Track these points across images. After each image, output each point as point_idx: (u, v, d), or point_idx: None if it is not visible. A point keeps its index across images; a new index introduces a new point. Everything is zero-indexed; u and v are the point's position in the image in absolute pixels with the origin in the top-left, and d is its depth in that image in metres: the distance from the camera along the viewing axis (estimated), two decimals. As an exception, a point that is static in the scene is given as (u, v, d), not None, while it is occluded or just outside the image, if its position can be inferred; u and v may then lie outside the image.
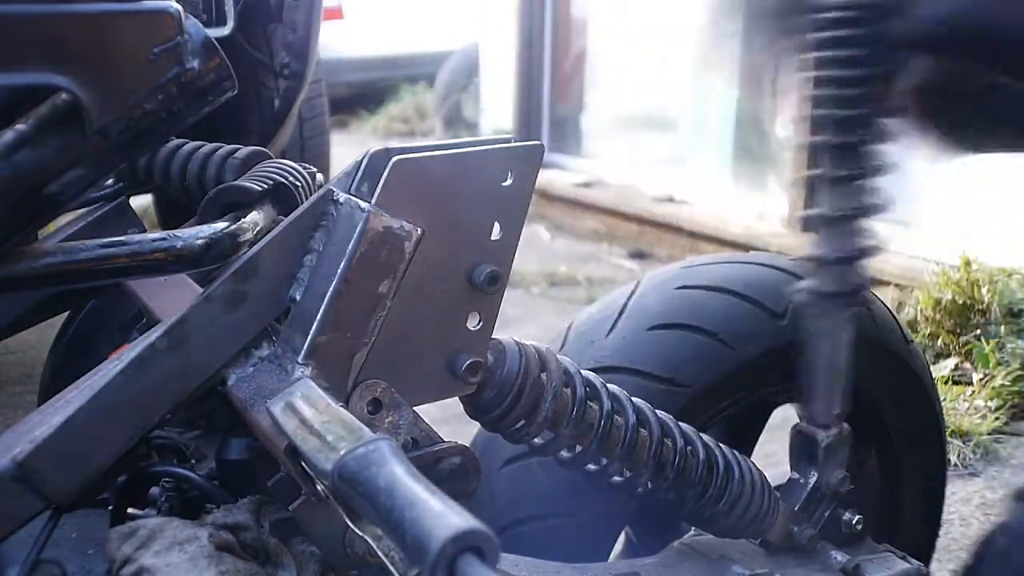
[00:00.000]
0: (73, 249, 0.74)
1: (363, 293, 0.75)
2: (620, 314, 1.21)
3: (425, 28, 7.92)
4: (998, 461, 2.41)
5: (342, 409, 0.68)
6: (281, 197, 0.91)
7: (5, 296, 1.01)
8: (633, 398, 0.99)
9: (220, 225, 0.79)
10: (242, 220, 0.81)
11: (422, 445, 0.79)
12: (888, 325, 1.32)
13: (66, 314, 1.07)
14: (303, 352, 0.74)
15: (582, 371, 0.95)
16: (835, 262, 1.12)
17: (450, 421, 1.08)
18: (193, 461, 0.91)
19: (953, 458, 2.36)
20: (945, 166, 1.17)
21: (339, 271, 0.74)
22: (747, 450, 1.29)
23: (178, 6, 0.70)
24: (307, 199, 0.86)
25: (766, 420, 1.38)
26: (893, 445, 1.38)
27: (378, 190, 0.75)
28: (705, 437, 1.05)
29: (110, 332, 1.03)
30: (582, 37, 5.39)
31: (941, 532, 1.55)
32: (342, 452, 0.60)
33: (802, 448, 1.18)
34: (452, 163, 0.78)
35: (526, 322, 3.47)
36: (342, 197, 0.78)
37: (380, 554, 0.66)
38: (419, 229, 0.76)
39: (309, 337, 0.74)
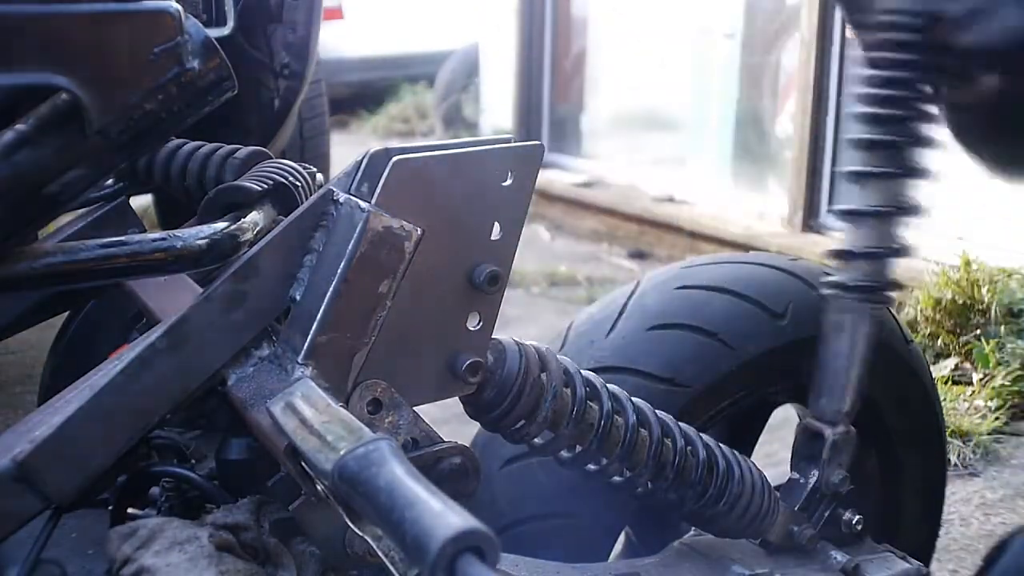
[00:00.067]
0: (73, 249, 0.74)
1: (363, 293, 0.75)
2: (620, 314, 1.21)
3: (425, 28, 7.92)
4: (998, 461, 2.41)
5: (342, 409, 0.68)
6: (281, 197, 0.91)
7: (5, 296, 1.01)
8: (633, 398, 0.99)
9: (220, 225, 0.79)
10: (242, 220, 0.81)
11: (422, 445, 0.79)
12: (888, 325, 1.32)
13: (66, 314, 1.07)
14: (303, 352, 0.74)
15: (582, 371, 0.95)
16: (864, 257, 1.13)
17: (450, 421, 1.08)
18: (193, 461, 0.91)
19: (953, 458, 2.36)
20: (994, 182, 1.21)
21: (339, 271, 0.74)
22: (747, 450, 1.29)
23: (178, 6, 0.70)
24: (307, 199, 0.86)
25: (766, 420, 1.38)
26: (893, 445, 1.38)
27: (378, 190, 0.75)
28: (705, 437, 1.05)
29: (110, 332, 1.03)
30: (582, 37, 5.39)
31: (941, 532, 1.55)
32: (342, 452, 0.60)
33: (807, 445, 1.18)
34: (452, 163, 0.78)
35: (526, 322, 3.47)
36: (342, 197, 0.78)
37: (380, 554, 0.66)
38: (419, 229, 0.76)
39: (309, 337, 0.74)
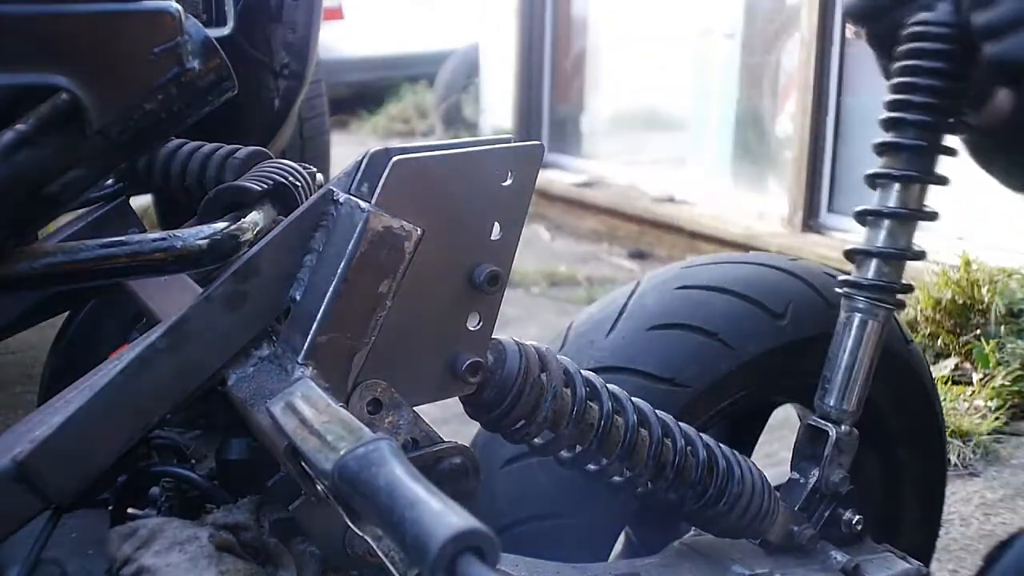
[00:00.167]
0: (73, 249, 0.74)
1: (363, 293, 0.75)
2: (620, 314, 1.21)
3: (425, 28, 7.92)
4: (998, 461, 2.41)
5: (342, 409, 0.68)
6: (281, 197, 0.90)
7: (5, 296, 1.01)
8: (633, 398, 0.99)
9: (220, 225, 0.79)
10: (242, 220, 0.81)
11: (422, 445, 0.79)
12: (888, 325, 1.32)
13: (66, 314, 1.07)
14: (303, 352, 0.74)
15: (582, 371, 0.95)
16: (880, 257, 1.15)
17: (450, 421, 1.08)
18: (193, 461, 0.91)
19: (953, 458, 2.36)
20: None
21: (339, 271, 0.74)
22: (747, 450, 1.29)
23: (178, 6, 0.70)
24: (307, 199, 0.86)
25: (766, 420, 1.38)
26: (893, 445, 1.38)
27: (378, 190, 0.75)
28: (705, 437, 1.05)
29: (110, 332, 1.02)
30: (582, 37, 5.39)
31: (941, 532, 1.55)
32: (342, 452, 0.60)
33: (809, 444, 1.18)
34: (452, 163, 0.78)
35: (526, 322, 3.47)
36: (342, 197, 0.78)
37: (380, 554, 0.66)
38: (419, 229, 0.76)
39: (309, 337, 0.74)
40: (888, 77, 1.16)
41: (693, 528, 1.16)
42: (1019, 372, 2.62)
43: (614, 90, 5.29)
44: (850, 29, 1.20)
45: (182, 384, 0.75)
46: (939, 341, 2.85)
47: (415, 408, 0.80)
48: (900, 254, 1.16)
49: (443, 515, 0.51)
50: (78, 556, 0.81)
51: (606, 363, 1.17)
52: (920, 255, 1.17)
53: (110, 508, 0.85)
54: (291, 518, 0.77)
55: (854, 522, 1.17)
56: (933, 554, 1.51)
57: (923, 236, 1.19)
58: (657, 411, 1.01)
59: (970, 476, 2.34)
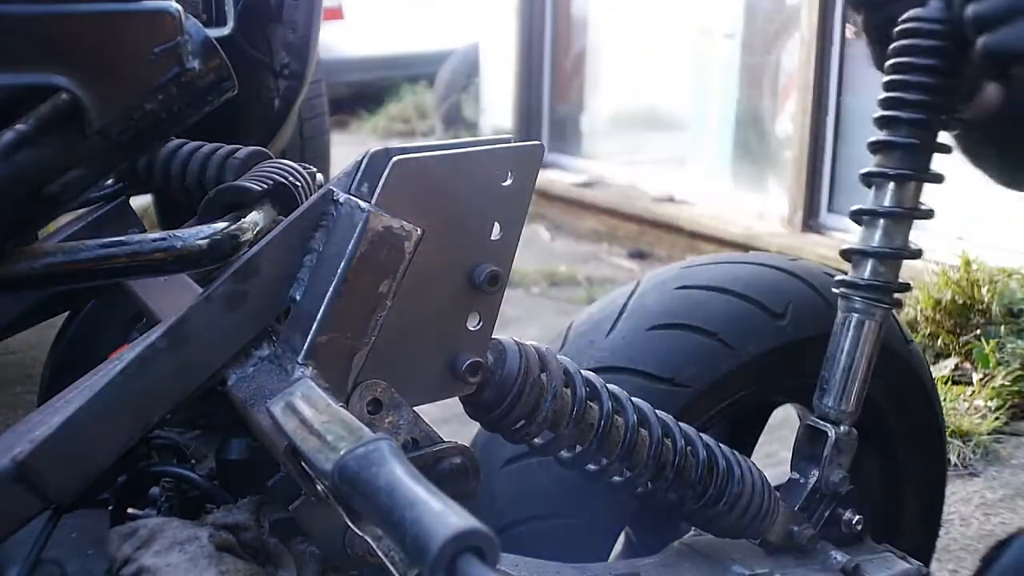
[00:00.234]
0: (73, 249, 0.74)
1: (363, 293, 0.75)
2: (620, 314, 1.21)
3: (425, 28, 7.92)
4: (998, 461, 2.41)
5: (342, 409, 0.68)
6: (281, 197, 0.90)
7: (5, 296, 1.01)
8: (633, 398, 0.99)
9: (220, 225, 0.79)
10: (242, 220, 0.81)
11: (422, 445, 0.79)
12: (888, 325, 1.32)
13: (66, 314, 1.07)
14: (303, 352, 0.74)
15: (582, 371, 0.95)
16: (876, 256, 1.15)
17: (450, 421, 1.08)
18: (193, 461, 0.91)
19: (953, 458, 2.36)
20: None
21: (339, 271, 0.74)
22: (747, 450, 1.29)
23: (178, 6, 0.70)
24: (307, 199, 0.86)
25: (766, 420, 1.38)
26: (893, 445, 1.38)
27: (378, 190, 0.75)
28: (705, 437, 1.05)
29: (110, 332, 1.02)
30: (582, 37, 5.39)
31: (941, 532, 1.55)
32: (342, 452, 0.60)
33: (808, 444, 1.18)
34: (452, 163, 0.78)
35: (526, 322, 3.47)
36: (342, 197, 0.78)
37: (380, 554, 0.66)
38: (419, 229, 0.76)
39: (309, 337, 0.74)
40: (880, 66, 1.16)
41: (693, 528, 1.16)
42: (1019, 372, 2.62)
43: (614, 90, 5.29)
44: (850, 29, 1.20)
45: (182, 384, 0.75)
46: (939, 341, 2.85)
47: (415, 408, 0.80)
48: (896, 253, 1.15)
49: (443, 515, 0.51)
50: (78, 556, 0.81)
51: (606, 363, 1.17)
52: (917, 254, 1.17)
53: (110, 508, 0.85)
54: (291, 518, 0.77)
55: (854, 522, 1.17)
56: (933, 554, 1.51)
57: (923, 236, 1.20)
58: (657, 411, 1.01)
59: (970, 476, 2.34)
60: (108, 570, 0.73)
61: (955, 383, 2.68)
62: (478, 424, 0.93)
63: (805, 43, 3.86)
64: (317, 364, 0.74)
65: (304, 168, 0.97)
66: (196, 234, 0.77)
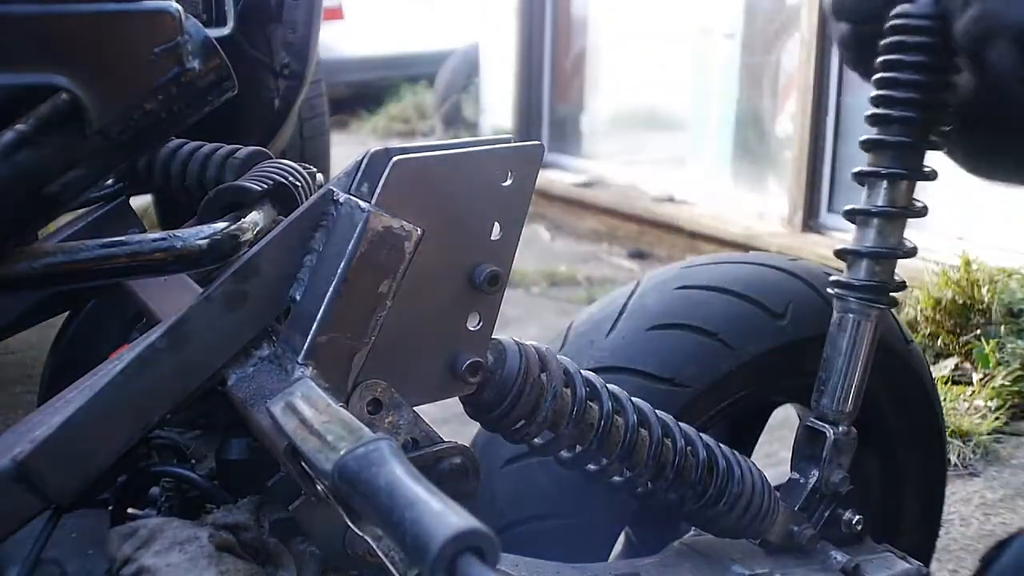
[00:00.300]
0: (73, 249, 0.74)
1: (363, 293, 0.75)
2: (620, 314, 1.21)
3: (425, 28, 7.92)
4: (998, 461, 2.41)
5: (342, 409, 0.68)
6: (281, 197, 0.90)
7: (5, 296, 1.01)
8: (633, 398, 0.99)
9: (220, 225, 0.79)
10: (242, 220, 0.81)
11: (422, 445, 0.79)
12: (888, 325, 1.32)
13: (66, 314, 1.07)
14: (303, 352, 0.74)
15: (582, 371, 0.95)
16: (869, 257, 1.14)
17: (450, 421, 1.08)
18: (193, 461, 0.91)
19: (953, 458, 2.36)
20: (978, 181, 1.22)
21: (339, 271, 0.74)
22: (747, 450, 1.29)
23: (178, 6, 0.70)
24: (307, 199, 0.86)
25: (766, 420, 1.38)
26: (893, 445, 1.38)
27: (378, 190, 0.75)
28: (705, 437, 1.05)
29: (110, 332, 1.02)
30: (582, 37, 5.39)
31: (941, 532, 1.55)
32: (342, 452, 0.60)
33: (807, 445, 1.18)
34: (452, 163, 0.78)
35: (526, 322, 3.47)
36: (342, 197, 0.78)
37: (380, 554, 0.66)
38: (419, 229, 0.76)
39: (309, 337, 0.74)
40: (860, 71, 1.16)
41: (693, 528, 1.16)
42: (1019, 372, 2.62)
43: (614, 90, 5.29)
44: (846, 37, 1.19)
45: (182, 384, 0.75)
46: (939, 341, 2.85)
47: (415, 408, 0.80)
48: (890, 253, 1.15)
49: (443, 515, 0.51)
50: (78, 556, 0.81)
51: (606, 363, 1.17)
52: (911, 252, 1.17)
53: (110, 508, 0.85)
54: (291, 518, 0.77)
55: (854, 522, 1.17)
56: (933, 554, 1.51)
57: (923, 235, 1.19)
58: (657, 411, 1.01)
59: (970, 476, 2.34)
60: (108, 570, 0.73)
61: (955, 383, 2.68)
62: (478, 424, 0.93)
63: (805, 43, 3.86)
64: (317, 364, 0.74)
65: (304, 168, 0.97)
66: (196, 234, 0.77)
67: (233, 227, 0.79)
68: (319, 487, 0.67)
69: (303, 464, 0.67)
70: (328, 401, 0.69)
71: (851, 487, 1.18)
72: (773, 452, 1.93)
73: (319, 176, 0.99)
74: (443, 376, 0.83)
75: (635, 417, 0.97)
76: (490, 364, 0.86)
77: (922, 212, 1.16)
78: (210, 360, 0.76)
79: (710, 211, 4.36)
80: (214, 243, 0.77)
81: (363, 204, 0.75)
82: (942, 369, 2.73)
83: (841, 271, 1.20)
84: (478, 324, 0.83)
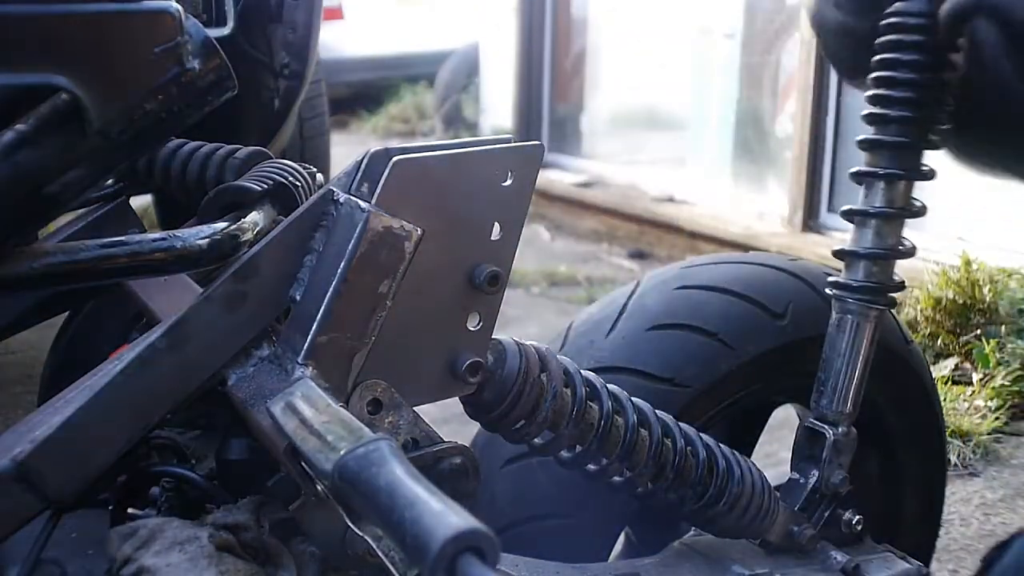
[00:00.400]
0: (73, 249, 0.74)
1: (363, 293, 0.75)
2: (620, 314, 1.21)
3: (425, 28, 7.92)
4: (998, 461, 2.41)
5: (342, 409, 0.68)
6: (281, 197, 0.90)
7: (5, 296, 1.01)
8: (633, 398, 0.99)
9: (220, 225, 0.79)
10: (242, 220, 0.81)
11: (422, 445, 0.79)
12: (888, 325, 1.32)
13: (66, 314, 1.07)
14: (303, 352, 0.74)
15: (582, 371, 0.95)
16: (868, 257, 1.14)
17: (450, 421, 1.08)
18: (193, 461, 0.91)
19: (953, 458, 2.36)
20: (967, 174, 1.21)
21: (339, 271, 0.74)
22: (747, 450, 1.29)
23: (178, 6, 0.70)
24: (307, 199, 0.86)
25: (766, 420, 1.38)
26: (893, 445, 1.38)
27: (378, 190, 0.75)
28: (705, 437, 1.05)
29: (110, 332, 1.03)
30: (582, 37, 5.39)
31: (941, 532, 1.55)
32: (342, 452, 0.60)
33: (807, 445, 1.18)
34: (452, 163, 0.78)
35: (526, 322, 3.47)
36: (342, 197, 0.78)
37: (380, 554, 0.66)
38: (419, 229, 0.76)
39: (309, 337, 0.74)
40: (852, 78, 1.16)
41: (693, 528, 1.16)
42: (1019, 372, 2.62)
43: (614, 90, 5.29)
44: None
45: (182, 384, 0.75)
46: (939, 341, 2.85)
47: (415, 408, 0.80)
48: (889, 253, 1.15)
49: (443, 515, 0.51)
50: (78, 556, 0.81)
51: (606, 363, 1.17)
52: (910, 252, 1.16)
53: (110, 508, 0.85)
54: (291, 518, 0.77)
55: (854, 522, 1.17)
56: (933, 554, 1.51)
57: (923, 236, 1.19)
58: (657, 411, 1.01)
59: (970, 476, 2.34)
60: (108, 570, 0.73)
61: (955, 383, 2.68)
62: (478, 424, 0.93)
63: (805, 43, 3.86)
64: (317, 364, 0.74)
65: (304, 168, 0.97)
66: (196, 234, 0.77)
67: (233, 227, 0.79)
68: (319, 487, 0.68)
69: (303, 464, 0.67)
70: (328, 401, 0.69)
71: (851, 487, 1.18)
72: (773, 452, 1.93)
73: (319, 176, 0.99)
74: (443, 376, 0.83)
75: (635, 417, 0.97)
76: (490, 364, 0.86)
77: (920, 212, 1.16)
78: (210, 360, 0.76)
79: (710, 211, 4.36)
80: (214, 243, 0.77)
81: (363, 204, 0.75)
82: (942, 369, 2.73)
83: (841, 271, 1.20)
84: (478, 324, 0.83)
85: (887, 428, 1.36)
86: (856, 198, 1.18)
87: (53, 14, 0.66)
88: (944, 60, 1.10)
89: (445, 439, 0.81)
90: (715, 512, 1.06)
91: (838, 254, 1.18)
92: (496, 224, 0.81)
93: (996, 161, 1.20)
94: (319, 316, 0.74)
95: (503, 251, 0.82)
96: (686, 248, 4.23)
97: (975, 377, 2.68)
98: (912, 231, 1.17)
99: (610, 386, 0.97)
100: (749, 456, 1.14)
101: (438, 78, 7.17)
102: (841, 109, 3.84)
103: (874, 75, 1.12)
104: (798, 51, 3.93)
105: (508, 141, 0.82)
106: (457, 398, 0.87)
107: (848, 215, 1.17)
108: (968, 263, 2.90)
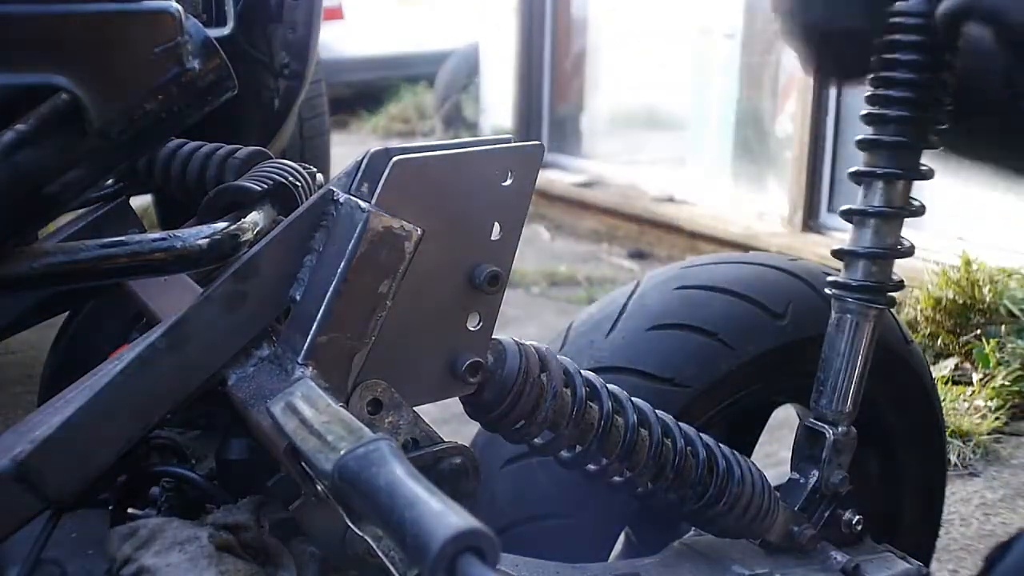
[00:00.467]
0: (73, 249, 0.74)
1: (363, 293, 0.75)
2: (620, 314, 1.21)
3: (425, 28, 7.92)
4: (998, 461, 2.41)
5: (342, 409, 0.68)
6: (281, 197, 0.90)
7: (5, 296, 1.01)
8: (633, 398, 0.99)
9: (220, 225, 0.79)
10: (242, 220, 0.81)
11: (422, 445, 0.79)
12: (888, 325, 1.32)
13: (66, 314, 1.07)
14: (303, 352, 0.74)
15: (582, 371, 0.95)
16: (866, 257, 1.14)
17: (450, 421, 1.08)
18: (193, 461, 0.91)
19: (953, 458, 2.36)
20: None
21: (339, 271, 0.74)
22: (747, 450, 1.29)
23: (178, 6, 0.70)
24: (307, 199, 0.86)
25: (766, 420, 1.38)
26: (893, 445, 1.38)
27: (378, 190, 0.75)
28: (705, 437, 1.05)
29: (110, 332, 1.03)
30: (582, 37, 5.39)
31: (941, 532, 1.55)
32: (342, 452, 0.60)
33: (807, 445, 1.18)
34: (452, 163, 0.78)
35: (526, 322, 3.47)
36: (342, 197, 0.78)
37: (380, 554, 0.66)
38: (419, 229, 0.76)
39: (309, 337, 0.74)
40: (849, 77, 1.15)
41: (693, 528, 1.16)
42: (1019, 372, 2.62)
43: (614, 90, 5.29)
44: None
45: (182, 384, 0.75)
46: (939, 341, 2.85)
47: (415, 408, 0.80)
48: (887, 252, 1.15)
49: (443, 515, 0.51)
50: (78, 556, 0.81)
51: (606, 363, 1.17)
52: (909, 251, 1.16)
53: (110, 508, 0.85)
54: (291, 518, 0.77)
55: (854, 522, 1.17)
56: (933, 554, 1.51)
57: (923, 235, 1.19)
58: (657, 411, 1.01)
59: (970, 476, 2.34)
60: (108, 570, 0.73)
61: (955, 383, 2.68)
62: (478, 424, 0.93)
63: (805, 43, 3.86)
64: (317, 364, 0.74)
65: (304, 168, 0.96)
66: (196, 234, 0.77)
67: (233, 227, 0.79)
68: (319, 487, 0.68)
69: (303, 464, 0.67)
70: (328, 401, 0.69)
71: (851, 487, 1.18)
72: (773, 452, 1.94)
73: (319, 176, 0.99)
74: (443, 376, 0.83)
75: (635, 417, 0.97)
76: (490, 364, 0.86)
77: (919, 211, 1.16)
78: (210, 360, 0.76)
79: (710, 211, 4.36)
80: (214, 243, 0.77)
81: (363, 204, 0.75)
82: (942, 369, 2.73)
83: (840, 271, 1.20)
84: (478, 324, 0.83)
85: (887, 428, 1.36)
86: (856, 198, 1.18)
87: (53, 14, 0.66)
88: (942, 60, 1.10)
89: (445, 439, 0.81)
90: (715, 512, 1.06)
91: (837, 254, 1.18)
92: (496, 224, 0.81)
93: (989, 160, 1.20)
94: (319, 316, 0.74)
95: (503, 251, 0.82)
96: (686, 248, 4.23)
97: (975, 377, 2.68)
98: (912, 231, 1.17)
99: (610, 386, 0.97)
100: (749, 456, 1.14)
101: (438, 78, 7.17)
102: (841, 109, 3.84)
103: (874, 75, 1.13)
104: (798, 51, 3.93)
105: (508, 141, 0.82)
106: (457, 398, 0.87)
107: (847, 215, 1.17)
108: (968, 263, 2.90)
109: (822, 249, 3.57)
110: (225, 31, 2.06)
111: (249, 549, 0.75)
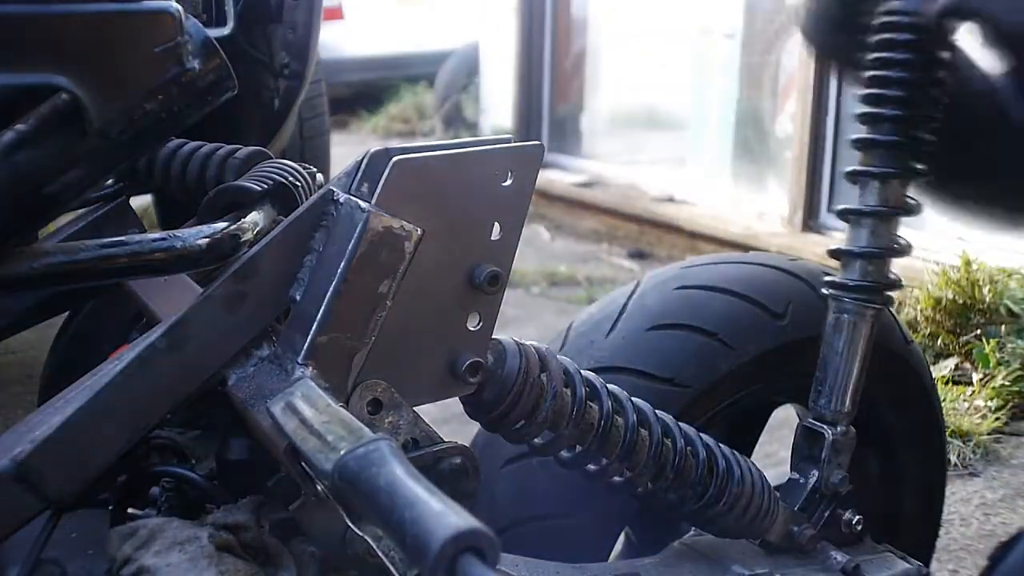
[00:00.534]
0: (73, 249, 0.74)
1: (363, 293, 0.75)
2: (620, 314, 1.21)
3: (425, 28, 7.92)
4: (998, 461, 2.41)
5: (342, 409, 0.68)
6: (281, 197, 0.90)
7: (5, 296, 1.01)
8: (633, 398, 0.99)
9: (220, 225, 0.79)
10: (242, 220, 0.81)
11: (422, 445, 0.79)
12: (887, 325, 1.32)
13: (66, 314, 1.07)
14: (303, 352, 0.74)
15: (582, 371, 0.95)
16: (863, 257, 1.14)
17: (450, 421, 1.08)
18: (193, 461, 0.91)
19: (953, 458, 2.36)
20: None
21: (339, 271, 0.74)
22: (747, 450, 1.29)
23: (178, 6, 0.70)
24: (307, 199, 0.86)
25: (766, 420, 1.38)
26: (893, 445, 1.38)
27: (378, 190, 0.75)
28: (705, 437, 1.05)
29: (110, 332, 1.02)
30: (582, 37, 5.39)
31: (941, 532, 1.55)
32: (342, 452, 0.60)
33: (807, 445, 1.18)
34: (452, 163, 0.78)
35: (526, 322, 3.47)
36: (342, 197, 0.78)
37: (380, 554, 0.66)
38: (419, 229, 0.76)
39: (309, 337, 0.74)
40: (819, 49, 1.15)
41: (693, 528, 1.16)
42: (1019, 372, 2.62)
43: (614, 90, 5.29)
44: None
45: (182, 384, 0.75)
46: (939, 341, 2.85)
47: (415, 408, 0.80)
48: (884, 252, 1.15)
49: (443, 515, 0.51)
50: (78, 556, 0.81)
51: (606, 363, 1.17)
52: (906, 250, 1.16)
53: (110, 508, 0.85)
54: (291, 518, 0.77)
55: (854, 522, 1.17)
56: (933, 554, 1.51)
57: (923, 235, 1.20)
58: (657, 411, 1.01)
59: (970, 476, 2.34)
60: (108, 570, 0.73)
61: (955, 383, 2.68)
62: (478, 424, 0.93)
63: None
64: (317, 364, 0.74)
65: (304, 168, 0.96)
66: (196, 234, 0.77)
67: (233, 227, 0.79)
68: (319, 487, 0.68)
69: (303, 464, 0.67)
70: (328, 401, 0.69)
71: (851, 487, 1.18)
72: (773, 452, 1.93)
73: (319, 176, 0.99)
74: (443, 376, 0.83)
75: (635, 417, 0.97)
76: (490, 364, 0.86)
77: (915, 210, 1.16)
78: (210, 360, 0.76)
79: (710, 211, 4.36)
80: (214, 243, 0.77)
81: (363, 204, 0.75)
82: (942, 369, 2.73)
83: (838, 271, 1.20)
84: (478, 324, 0.83)
85: (887, 428, 1.36)
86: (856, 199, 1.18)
87: (53, 14, 0.66)
88: (937, 59, 1.10)
89: (445, 439, 0.81)
90: (715, 512, 1.06)
91: (833, 253, 1.18)
92: (496, 224, 0.81)
93: (979, 196, 1.21)
94: (319, 316, 0.74)
95: (503, 251, 0.82)
96: (686, 248, 4.23)
97: (975, 377, 2.68)
98: (912, 231, 1.17)
99: (610, 386, 0.97)
100: (749, 456, 1.14)
101: (438, 78, 7.17)
102: (841, 109, 3.84)
103: (869, 74, 1.12)
104: (798, 51, 3.93)
105: (508, 141, 0.82)
106: (457, 398, 0.87)
107: (843, 214, 1.17)
108: (968, 263, 2.90)
109: (822, 249, 3.55)
110: (225, 31, 2.06)
111: (249, 549, 0.75)
